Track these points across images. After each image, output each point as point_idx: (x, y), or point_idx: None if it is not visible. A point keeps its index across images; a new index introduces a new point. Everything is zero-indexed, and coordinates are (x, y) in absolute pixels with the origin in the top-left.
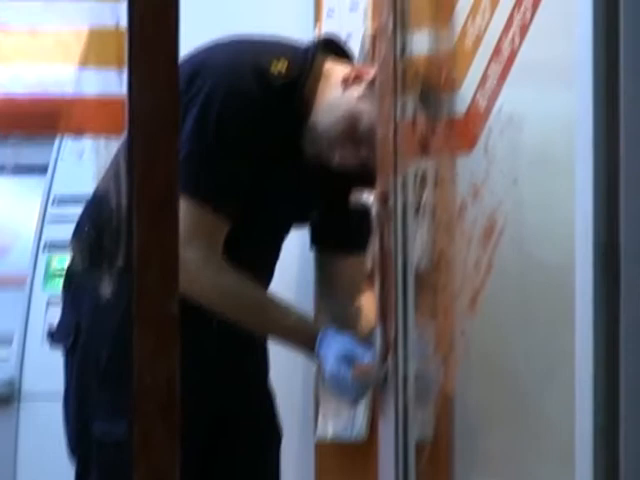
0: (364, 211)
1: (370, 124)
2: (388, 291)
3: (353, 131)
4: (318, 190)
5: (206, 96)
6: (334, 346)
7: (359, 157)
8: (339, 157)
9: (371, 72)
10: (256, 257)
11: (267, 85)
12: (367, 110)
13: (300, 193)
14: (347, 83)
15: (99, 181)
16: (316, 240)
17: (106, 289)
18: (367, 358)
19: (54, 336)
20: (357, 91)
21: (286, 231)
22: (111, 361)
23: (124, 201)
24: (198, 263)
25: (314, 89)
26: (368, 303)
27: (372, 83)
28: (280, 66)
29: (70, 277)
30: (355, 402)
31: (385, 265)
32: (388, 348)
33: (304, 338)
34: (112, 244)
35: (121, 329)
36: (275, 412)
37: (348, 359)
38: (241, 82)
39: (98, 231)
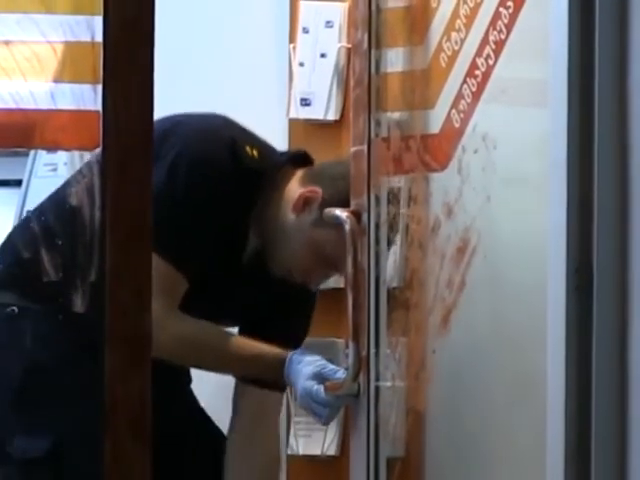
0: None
1: (332, 246)
2: (361, 308)
3: (318, 258)
4: (259, 290)
5: (177, 155)
6: (304, 366)
7: (330, 275)
8: (311, 280)
9: (319, 192)
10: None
11: (239, 162)
12: (325, 234)
13: (244, 288)
14: (298, 209)
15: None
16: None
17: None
18: (338, 375)
19: None
20: (310, 216)
21: (229, 315)
22: (28, 377)
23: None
24: (159, 313)
25: (276, 193)
26: None
27: (322, 204)
28: (254, 152)
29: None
30: (327, 421)
31: (358, 282)
32: (360, 365)
33: (272, 364)
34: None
35: (36, 342)
36: (207, 416)
37: (319, 377)
38: (215, 150)
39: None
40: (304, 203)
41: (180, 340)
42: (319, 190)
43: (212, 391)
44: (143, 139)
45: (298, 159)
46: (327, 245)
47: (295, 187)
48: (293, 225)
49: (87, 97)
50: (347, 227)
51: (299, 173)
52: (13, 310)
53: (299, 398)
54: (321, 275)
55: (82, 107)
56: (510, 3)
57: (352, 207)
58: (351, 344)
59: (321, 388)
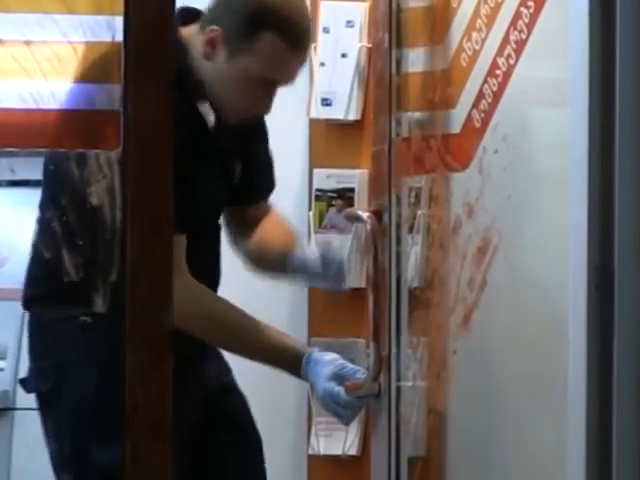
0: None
1: (256, 66)
2: (381, 309)
3: (252, 82)
4: (236, 154)
5: None
6: (324, 366)
7: (274, 88)
8: (262, 105)
9: (216, 29)
10: (203, 251)
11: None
12: (243, 60)
13: (223, 165)
14: (208, 55)
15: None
16: (238, 202)
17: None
18: (358, 375)
19: (28, 384)
20: (222, 53)
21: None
22: (107, 386)
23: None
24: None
25: (193, 69)
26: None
27: (225, 35)
28: None
29: (39, 323)
30: (349, 421)
31: (378, 282)
32: (381, 365)
33: (288, 359)
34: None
35: (112, 351)
36: (250, 415)
37: (339, 377)
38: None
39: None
40: (209, 45)
41: (196, 319)
42: (216, 27)
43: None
44: (163, 138)
45: (188, 18)
46: (251, 67)
47: (198, 39)
48: (214, 71)
49: (107, 97)
50: (368, 227)
51: (194, 27)
52: (85, 321)
53: (320, 400)
54: (266, 95)
55: (102, 107)
56: (531, 3)
57: (373, 207)
58: (372, 344)
59: (342, 389)
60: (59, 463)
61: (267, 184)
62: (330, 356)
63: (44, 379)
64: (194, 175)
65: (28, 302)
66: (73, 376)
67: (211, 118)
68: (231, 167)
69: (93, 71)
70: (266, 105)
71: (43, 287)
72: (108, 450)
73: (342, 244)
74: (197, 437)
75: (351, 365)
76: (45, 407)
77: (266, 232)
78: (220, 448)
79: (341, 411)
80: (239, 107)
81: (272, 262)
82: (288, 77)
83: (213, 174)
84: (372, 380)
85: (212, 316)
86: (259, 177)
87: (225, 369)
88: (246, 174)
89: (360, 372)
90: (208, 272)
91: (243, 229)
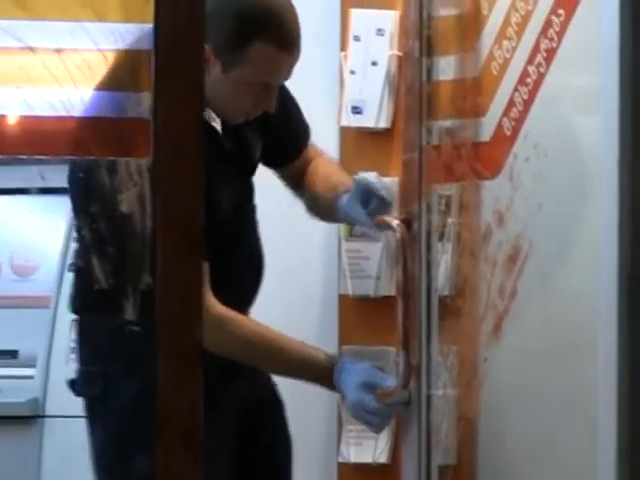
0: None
1: (250, 73)
2: (412, 317)
3: (249, 89)
4: (252, 151)
5: None
6: (354, 375)
7: (273, 93)
8: (263, 105)
9: (205, 48)
10: (244, 252)
11: None
12: (238, 71)
13: (243, 162)
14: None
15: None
16: (278, 165)
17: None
18: (388, 383)
19: (76, 387)
20: (215, 68)
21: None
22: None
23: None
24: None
25: None
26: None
27: (215, 50)
28: None
29: (87, 325)
30: (380, 429)
31: (408, 290)
32: (410, 373)
33: (319, 372)
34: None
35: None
36: (286, 421)
37: (369, 386)
38: None
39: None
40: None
41: (226, 345)
42: (206, 46)
43: None
44: (194, 145)
45: None
46: (246, 76)
47: None
48: (211, 83)
49: (138, 105)
50: (397, 235)
51: None
52: (132, 329)
53: (351, 408)
54: (265, 96)
55: (133, 115)
56: (561, 11)
57: (403, 215)
58: (401, 352)
59: (372, 397)
60: (102, 468)
61: (299, 138)
62: (361, 365)
63: (91, 384)
64: (217, 186)
65: (75, 308)
66: (119, 383)
67: (218, 124)
68: (249, 153)
69: (123, 79)
70: (268, 103)
71: (86, 294)
72: (150, 458)
73: (372, 252)
74: (238, 444)
75: (381, 373)
76: (91, 411)
77: (315, 186)
78: (257, 455)
79: (371, 419)
80: (241, 112)
81: (327, 213)
82: (284, 76)
83: (231, 174)
84: (402, 388)
85: (243, 339)
86: (288, 137)
87: (267, 376)
88: (274, 139)
89: (390, 380)
90: (253, 255)
91: (297, 182)
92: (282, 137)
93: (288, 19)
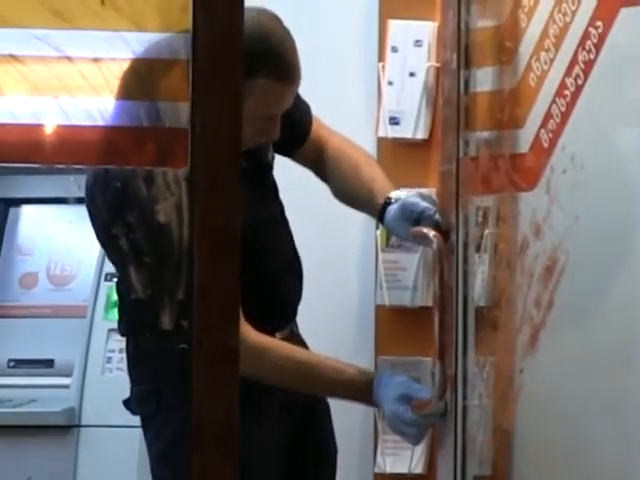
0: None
1: (252, 106)
2: (448, 328)
3: (255, 122)
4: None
5: None
6: (391, 388)
7: (277, 122)
8: (270, 132)
9: None
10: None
11: None
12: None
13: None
14: None
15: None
16: (289, 151)
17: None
18: (424, 394)
19: (130, 405)
20: None
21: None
22: None
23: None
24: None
25: None
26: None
27: None
28: None
29: (137, 344)
30: (417, 440)
31: (444, 301)
32: (446, 384)
33: (359, 390)
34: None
35: None
36: (332, 426)
37: (406, 398)
38: None
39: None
40: None
41: (265, 374)
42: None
43: None
44: (232, 156)
45: None
46: (250, 109)
47: None
48: None
49: (176, 115)
50: (434, 246)
51: None
52: (184, 349)
53: (387, 420)
54: (270, 125)
55: (171, 125)
56: (599, 23)
57: (441, 226)
58: (437, 363)
59: (408, 408)
60: None
61: (303, 118)
62: (398, 378)
63: (144, 403)
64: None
65: (123, 329)
66: (171, 401)
67: None
68: (263, 165)
69: (161, 89)
70: (272, 132)
71: (133, 314)
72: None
73: (409, 263)
74: (285, 448)
75: (418, 385)
76: (147, 428)
77: (344, 178)
78: (303, 459)
79: (407, 430)
80: (248, 141)
81: (357, 207)
82: (287, 105)
83: (251, 192)
84: (438, 398)
85: (279, 367)
86: (291, 120)
87: None
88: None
89: (426, 391)
90: (286, 257)
91: (316, 164)
92: (286, 123)
93: (288, 51)
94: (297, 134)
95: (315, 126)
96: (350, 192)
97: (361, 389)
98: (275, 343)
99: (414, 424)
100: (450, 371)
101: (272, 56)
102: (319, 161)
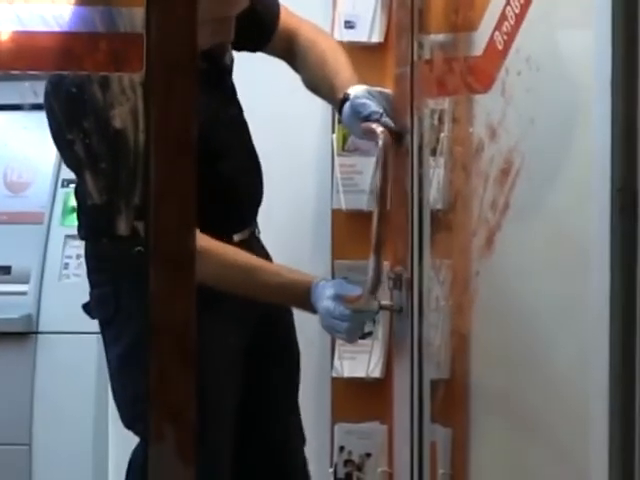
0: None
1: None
2: (404, 231)
3: (207, 25)
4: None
5: None
6: (326, 289)
7: (231, 24)
8: (222, 37)
9: None
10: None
11: None
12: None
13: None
14: None
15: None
16: (259, 46)
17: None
18: (357, 292)
19: (89, 309)
20: None
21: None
22: None
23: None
24: None
25: None
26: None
27: None
28: None
29: (95, 249)
30: (350, 336)
31: (382, 199)
32: (379, 278)
33: (300, 296)
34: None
35: None
36: (294, 329)
37: (340, 297)
38: None
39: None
40: None
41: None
42: None
43: None
44: (187, 60)
45: None
46: (199, 11)
47: None
48: None
49: (131, 20)
50: (380, 142)
51: None
52: (140, 251)
53: (321, 319)
54: (224, 28)
55: (126, 30)
56: None
57: (395, 129)
58: (372, 257)
59: (339, 304)
60: (117, 385)
61: (271, 10)
62: (335, 280)
63: (103, 306)
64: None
65: (83, 234)
66: (129, 303)
67: None
68: (221, 68)
69: None
70: (227, 34)
71: (90, 220)
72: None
73: (365, 166)
74: (247, 358)
75: (352, 285)
76: (105, 334)
77: (311, 70)
78: (267, 368)
79: (338, 325)
80: (201, 43)
81: (325, 99)
82: (239, 8)
83: (209, 99)
84: (369, 293)
85: (221, 269)
86: (257, 15)
87: None
88: (244, 23)
89: (361, 289)
90: (244, 158)
91: (288, 54)
92: (251, 20)
93: None
94: (263, 29)
95: (283, 17)
96: (317, 85)
97: (301, 293)
98: (221, 248)
99: (345, 319)
100: (383, 267)
101: None
102: (290, 51)
